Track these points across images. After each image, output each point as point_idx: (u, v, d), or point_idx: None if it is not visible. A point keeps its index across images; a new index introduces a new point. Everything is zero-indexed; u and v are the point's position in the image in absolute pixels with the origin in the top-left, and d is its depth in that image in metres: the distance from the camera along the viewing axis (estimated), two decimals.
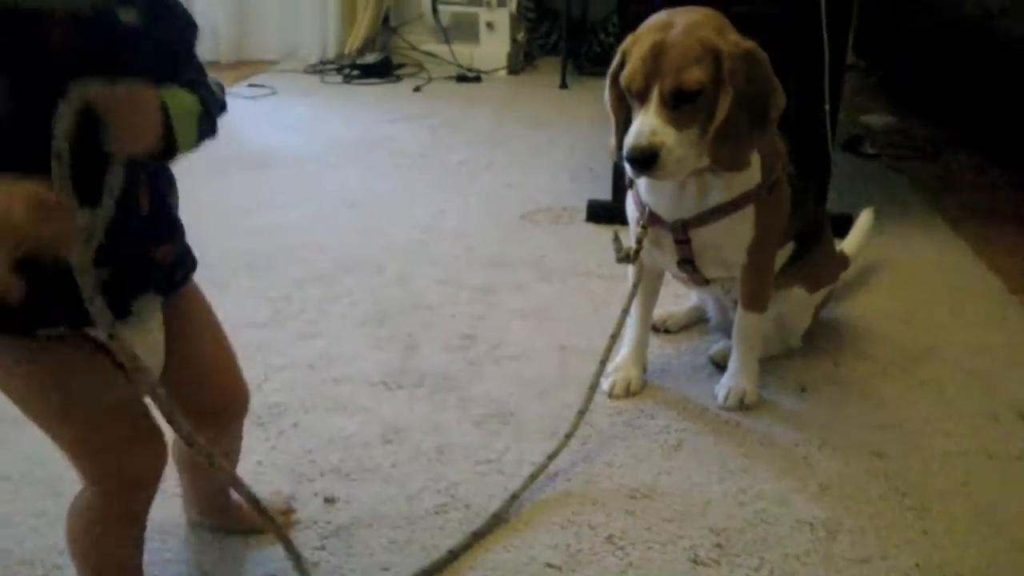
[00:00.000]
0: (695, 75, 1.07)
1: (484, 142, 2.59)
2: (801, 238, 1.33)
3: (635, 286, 1.28)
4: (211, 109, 0.76)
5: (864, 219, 1.69)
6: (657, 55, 1.08)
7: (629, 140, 1.09)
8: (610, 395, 1.32)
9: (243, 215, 2.00)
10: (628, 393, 1.32)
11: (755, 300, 1.26)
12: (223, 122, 0.80)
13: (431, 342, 1.46)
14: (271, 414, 1.26)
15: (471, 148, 2.53)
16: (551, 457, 1.14)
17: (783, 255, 1.32)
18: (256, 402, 1.27)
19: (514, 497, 1.08)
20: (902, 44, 3.05)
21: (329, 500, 1.08)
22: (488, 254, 1.81)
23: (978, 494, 1.12)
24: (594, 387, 1.23)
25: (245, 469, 1.08)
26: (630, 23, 1.19)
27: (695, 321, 1.54)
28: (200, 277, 0.88)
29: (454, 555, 0.99)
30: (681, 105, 1.08)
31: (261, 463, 1.15)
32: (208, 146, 0.78)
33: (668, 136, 1.08)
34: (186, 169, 0.81)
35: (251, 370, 1.28)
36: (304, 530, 1.03)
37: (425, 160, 2.44)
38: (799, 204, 1.27)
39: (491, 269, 1.74)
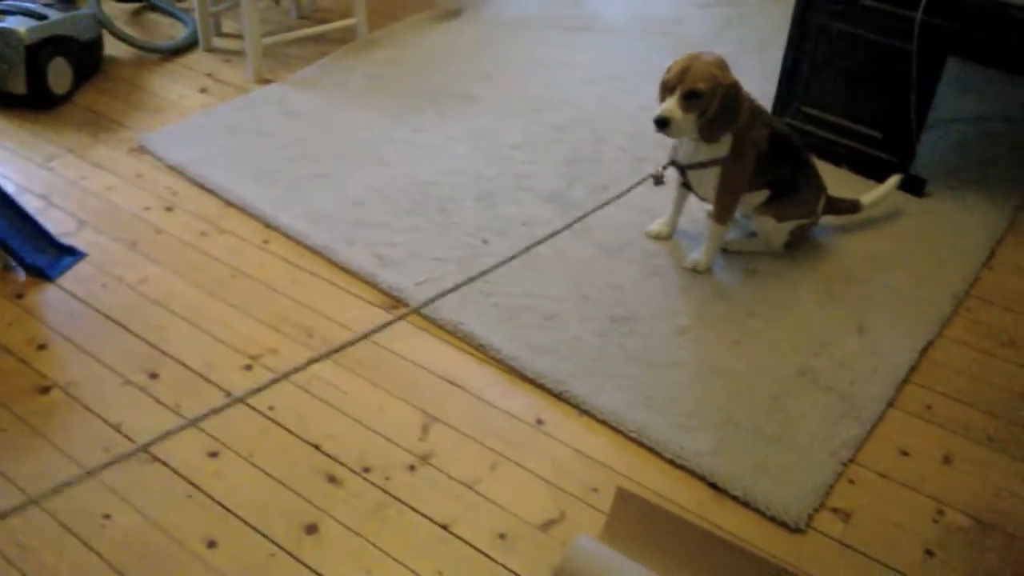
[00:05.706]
0: (700, 87, 2.06)
1: (760, 44, 3.43)
2: (774, 189, 2.26)
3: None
4: None
5: (888, 184, 2.47)
6: (684, 72, 2.07)
7: (656, 112, 2.12)
8: (647, 234, 2.44)
9: (553, 68, 3.25)
10: (658, 238, 2.44)
11: (718, 217, 2.27)
12: None
13: (584, 184, 2.66)
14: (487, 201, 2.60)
15: (740, 45, 3.41)
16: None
17: (759, 197, 2.27)
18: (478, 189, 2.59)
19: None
20: None
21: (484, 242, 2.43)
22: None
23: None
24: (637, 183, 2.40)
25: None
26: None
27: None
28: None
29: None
30: (688, 101, 2.08)
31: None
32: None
33: (677, 115, 2.09)
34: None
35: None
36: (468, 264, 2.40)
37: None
38: (766, 174, 2.20)
39: (633, 138, 2.82)
